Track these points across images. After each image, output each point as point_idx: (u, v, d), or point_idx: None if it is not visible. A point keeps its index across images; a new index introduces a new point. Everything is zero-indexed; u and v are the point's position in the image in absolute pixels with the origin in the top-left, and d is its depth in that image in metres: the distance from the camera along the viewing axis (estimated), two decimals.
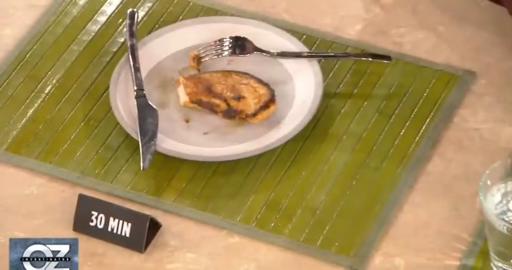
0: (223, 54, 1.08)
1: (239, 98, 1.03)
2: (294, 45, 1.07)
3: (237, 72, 1.06)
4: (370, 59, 1.08)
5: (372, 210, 0.97)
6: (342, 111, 1.05)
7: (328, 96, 1.06)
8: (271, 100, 1.03)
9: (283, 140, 1.01)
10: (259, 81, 1.05)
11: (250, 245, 0.96)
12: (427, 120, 1.03)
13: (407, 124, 1.03)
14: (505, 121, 1.03)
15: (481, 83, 1.06)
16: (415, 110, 1.04)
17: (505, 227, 0.90)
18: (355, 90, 1.06)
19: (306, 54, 1.07)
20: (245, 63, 1.08)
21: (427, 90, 1.06)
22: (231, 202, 0.99)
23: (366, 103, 1.05)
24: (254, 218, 0.98)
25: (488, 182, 0.91)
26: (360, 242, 0.95)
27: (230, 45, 1.08)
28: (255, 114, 1.02)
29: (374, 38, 1.11)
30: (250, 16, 1.13)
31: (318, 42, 1.10)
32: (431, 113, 1.04)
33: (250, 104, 1.03)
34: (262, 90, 1.04)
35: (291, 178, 1.00)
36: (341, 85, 1.06)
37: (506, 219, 0.92)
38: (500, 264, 0.92)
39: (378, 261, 0.94)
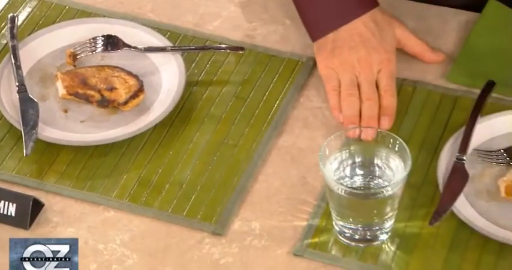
0: (96, 51, 1.16)
1: (111, 89, 1.12)
2: (159, 41, 1.16)
3: (109, 66, 1.14)
4: (228, 51, 1.17)
5: (231, 181, 1.06)
6: (204, 97, 1.14)
7: (191, 84, 1.15)
8: (140, 89, 1.12)
9: (151, 124, 1.10)
10: (129, 73, 1.13)
11: (124, 217, 1.04)
12: (277, 102, 1.13)
13: (260, 106, 1.12)
14: None
15: None
16: (267, 93, 1.14)
17: (342, 190, 0.99)
18: (215, 78, 1.15)
19: (170, 48, 1.16)
20: (116, 58, 1.16)
21: (277, 75, 1.15)
22: (107, 181, 1.07)
23: (224, 89, 1.15)
24: (127, 194, 1.06)
25: (327, 152, 1.02)
26: (221, 210, 1.04)
27: (102, 42, 1.16)
28: (126, 103, 1.11)
29: (230, 32, 1.20)
30: (120, 17, 1.21)
31: (180, 37, 1.19)
32: (281, 95, 1.13)
33: (122, 93, 1.11)
34: (132, 81, 1.12)
35: (160, 157, 1.09)
36: (202, 74, 1.15)
37: (343, 183, 1.02)
38: (340, 223, 1.02)
39: (237, 226, 1.03)
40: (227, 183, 1.06)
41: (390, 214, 1.01)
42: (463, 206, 1.02)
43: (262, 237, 1.03)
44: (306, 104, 1.13)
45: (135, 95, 1.11)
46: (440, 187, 1.03)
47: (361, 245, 1.01)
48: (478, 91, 1.11)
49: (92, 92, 1.11)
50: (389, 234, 1.02)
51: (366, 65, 1.11)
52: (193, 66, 1.16)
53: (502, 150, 1.06)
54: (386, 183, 1.00)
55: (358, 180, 1.02)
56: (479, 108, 1.08)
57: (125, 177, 1.07)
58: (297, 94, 1.13)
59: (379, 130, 1.03)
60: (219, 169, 1.07)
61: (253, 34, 1.20)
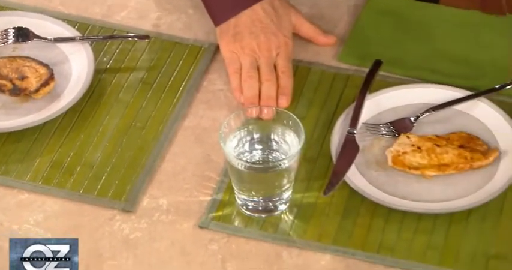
0: (7, 43, 1.19)
1: (23, 78, 1.15)
2: (68, 31, 1.20)
3: (21, 57, 1.17)
4: (134, 39, 1.20)
5: (139, 161, 1.10)
6: (112, 83, 1.17)
7: (99, 72, 1.18)
8: (50, 78, 1.15)
9: (62, 110, 1.13)
10: (40, 63, 1.17)
11: (38, 199, 1.08)
12: (182, 85, 1.17)
13: (166, 90, 1.17)
14: None
15: None
16: (172, 78, 1.18)
17: (242, 165, 1.04)
18: (122, 65, 1.19)
19: (79, 38, 1.20)
20: (28, 49, 1.19)
21: (181, 61, 1.19)
22: (20, 165, 1.10)
23: (131, 75, 1.19)
24: (40, 176, 1.10)
25: (227, 131, 1.06)
26: (130, 188, 1.08)
27: (13, 34, 1.19)
28: (37, 91, 1.14)
29: (136, 22, 1.24)
30: (31, 10, 1.25)
31: (89, 28, 1.23)
32: (185, 80, 1.18)
33: (33, 82, 1.15)
34: (43, 70, 1.16)
35: (71, 141, 1.12)
36: (110, 62, 1.19)
37: (243, 159, 1.07)
38: (242, 196, 1.07)
39: (146, 203, 1.07)
40: (136, 163, 1.10)
41: (288, 186, 1.07)
42: (354, 176, 1.07)
43: (170, 213, 1.07)
44: (209, 87, 1.17)
45: (45, 83, 1.14)
46: (334, 159, 1.08)
47: (262, 215, 1.07)
48: (366, 70, 1.16)
49: (3, 82, 1.15)
50: (287, 204, 1.07)
51: (265, 49, 1.16)
52: (101, 54, 1.20)
53: (389, 124, 1.12)
54: (283, 157, 1.05)
55: (257, 155, 1.07)
56: (367, 86, 1.14)
57: (38, 161, 1.11)
58: (200, 78, 1.17)
59: (275, 108, 1.09)
60: (128, 150, 1.11)
61: (159, 23, 1.24)
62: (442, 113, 1.11)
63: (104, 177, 1.08)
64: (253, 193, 1.05)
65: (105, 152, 1.10)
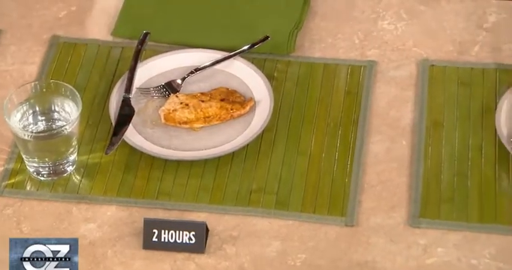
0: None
1: None
2: None
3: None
4: None
5: None
6: None
7: None
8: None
9: None
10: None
11: None
12: None
13: None
14: (27, 62, 1.21)
15: (6, 37, 1.25)
16: None
17: (28, 136, 1.10)
18: None
19: None
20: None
21: None
22: None
23: None
24: None
25: (9, 106, 1.10)
26: None
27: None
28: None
29: None
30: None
31: None
32: None
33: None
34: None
35: None
36: None
37: (28, 130, 1.12)
38: (33, 164, 1.11)
39: None
40: None
41: (72, 149, 1.13)
42: (132, 135, 1.14)
43: None
44: None
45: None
46: (113, 122, 1.15)
47: (53, 178, 1.12)
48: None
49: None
50: (74, 166, 1.13)
51: None
52: None
53: (160, 86, 1.20)
54: (64, 124, 1.11)
55: (42, 125, 1.12)
56: (137, 55, 1.20)
57: None
58: None
59: (52, 81, 1.11)
60: None
61: None
62: (204, 72, 1.20)
63: None
64: (42, 159, 1.10)
65: None
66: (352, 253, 1.05)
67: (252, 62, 1.20)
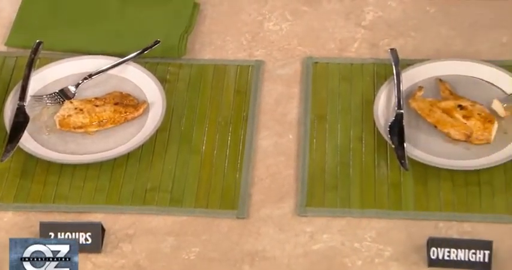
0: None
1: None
2: None
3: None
4: None
5: None
6: None
7: None
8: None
9: None
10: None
11: None
12: None
13: None
14: None
15: None
16: None
17: None
18: None
19: None
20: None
21: None
22: None
23: None
24: None
25: None
26: None
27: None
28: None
29: None
30: None
31: None
32: None
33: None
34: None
35: None
36: None
37: None
38: None
39: None
40: None
41: None
42: (27, 142, 1.14)
43: None
44: None
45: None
46: (8, 130, 1.12)
47: None
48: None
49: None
50: None
51: None
52: None
53: (54, 93, 1.20)
54: None
55: None
56: (30, 64, 1.18)
57: None
58: None
59: None
60: None
61: None
62: (98, 78, 1.21)
63: None
64: None
65: None
66: (243, 244, 1.07)
67: (145, 66, 1.23)
